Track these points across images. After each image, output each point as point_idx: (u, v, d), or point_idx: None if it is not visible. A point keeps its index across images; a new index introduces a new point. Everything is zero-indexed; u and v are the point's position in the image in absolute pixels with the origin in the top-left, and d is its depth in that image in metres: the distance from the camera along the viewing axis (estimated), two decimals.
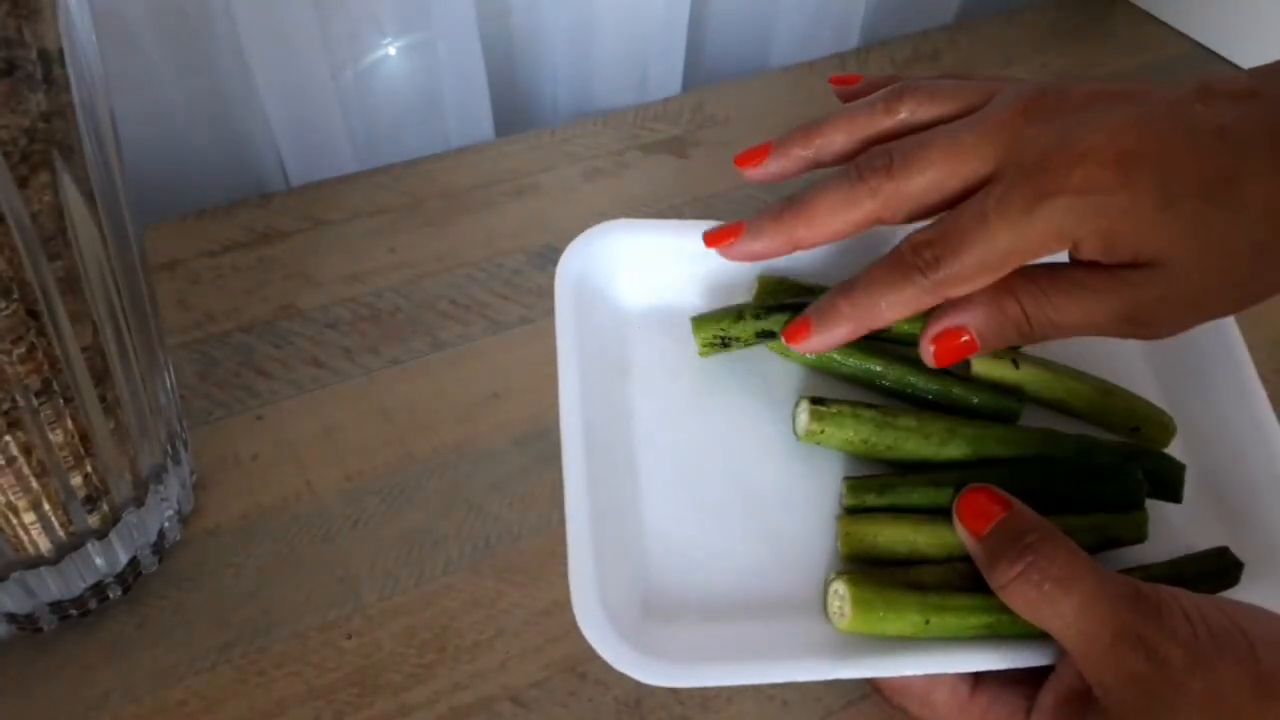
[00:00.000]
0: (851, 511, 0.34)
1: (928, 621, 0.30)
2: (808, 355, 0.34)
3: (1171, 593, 0.28)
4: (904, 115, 0.32)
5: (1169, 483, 0.35)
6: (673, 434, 0.35)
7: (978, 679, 0.32)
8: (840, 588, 0.31)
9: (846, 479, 0.34)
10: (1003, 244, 0.29)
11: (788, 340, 0.33)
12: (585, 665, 0.39)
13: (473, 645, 0.40)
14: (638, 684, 0.39)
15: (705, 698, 0.39)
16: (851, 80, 0.36)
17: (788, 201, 0.32)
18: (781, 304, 0.35)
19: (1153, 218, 0.28)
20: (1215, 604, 0.28)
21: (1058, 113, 0.30)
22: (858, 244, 0.35)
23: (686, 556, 0.33)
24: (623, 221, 0.36)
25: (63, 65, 0.28)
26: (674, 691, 0.39)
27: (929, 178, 0.31)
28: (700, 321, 0.35)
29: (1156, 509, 0.35)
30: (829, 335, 0.32)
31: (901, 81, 0.33)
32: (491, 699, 0.38)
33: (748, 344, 0.35)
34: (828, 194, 0.32)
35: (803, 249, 0.32)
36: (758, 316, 0.35)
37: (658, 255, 0.36)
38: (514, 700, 0.38)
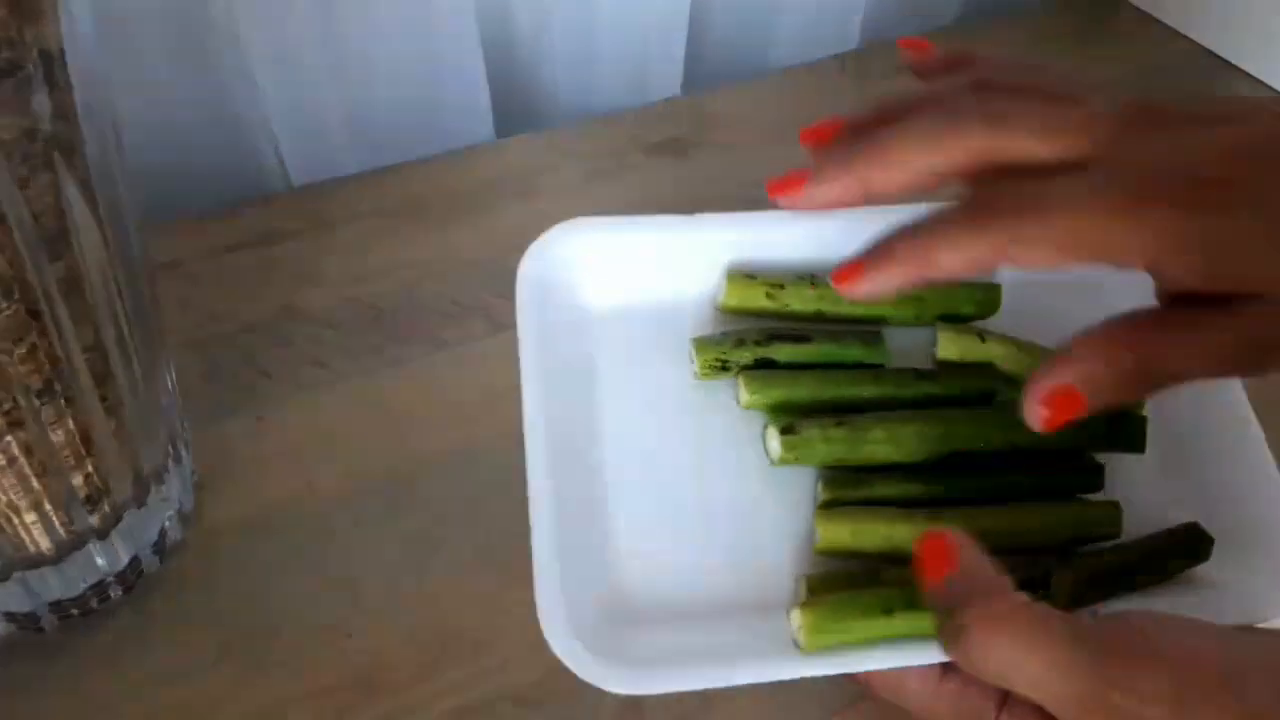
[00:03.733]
0: (827, 506, 0.34)
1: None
2: (857, 301, 0.30)
3: (1141, 630, 0.26)
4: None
5: (1131, 434, 0.36)
6: (640, 439, 0.35)
7: (945, 665, 0.31)
8: (796, 617, 0.31)
9: (821, 475, 0.35)
10: (1085, 230, 0.27)
11: (836, 282, 0.29)
12: None
13: (473, 645, 0.40)
14: None
15: (706, 696, 0.39)
16: (921, 45, 0.33)
17: (860, 138, 0.29)
18: (781, 333, 0.35)
19: (1262, 244, 0.26)
20: (1198, 631, 0.26)
21: (1163, 124, 0.28)
22: (839, 238, 0.32)
23: (654, 562, 0.33)
24: (582, 220, 0.36)
25: (64, 66, 0.28)
26: None
27: (1025, 134, 0.28)
28: (702, 344, 0.35)
29: (1125, 489, 0.35)
30: (882, 278, 0.29)
31: (978, 70, 0.31)
32: (491, 699, 0.38)
33: (746, 369, 0.35)
34: (908, 129, 0.29)
35: (877, 199, 0.29)
36: (759, 343, 0.35)
37: (620, 254, 0.36)
38: (514, 700, 0.38)
